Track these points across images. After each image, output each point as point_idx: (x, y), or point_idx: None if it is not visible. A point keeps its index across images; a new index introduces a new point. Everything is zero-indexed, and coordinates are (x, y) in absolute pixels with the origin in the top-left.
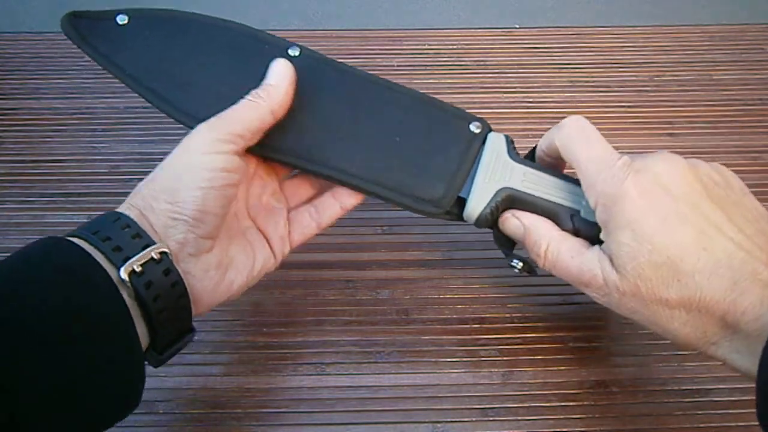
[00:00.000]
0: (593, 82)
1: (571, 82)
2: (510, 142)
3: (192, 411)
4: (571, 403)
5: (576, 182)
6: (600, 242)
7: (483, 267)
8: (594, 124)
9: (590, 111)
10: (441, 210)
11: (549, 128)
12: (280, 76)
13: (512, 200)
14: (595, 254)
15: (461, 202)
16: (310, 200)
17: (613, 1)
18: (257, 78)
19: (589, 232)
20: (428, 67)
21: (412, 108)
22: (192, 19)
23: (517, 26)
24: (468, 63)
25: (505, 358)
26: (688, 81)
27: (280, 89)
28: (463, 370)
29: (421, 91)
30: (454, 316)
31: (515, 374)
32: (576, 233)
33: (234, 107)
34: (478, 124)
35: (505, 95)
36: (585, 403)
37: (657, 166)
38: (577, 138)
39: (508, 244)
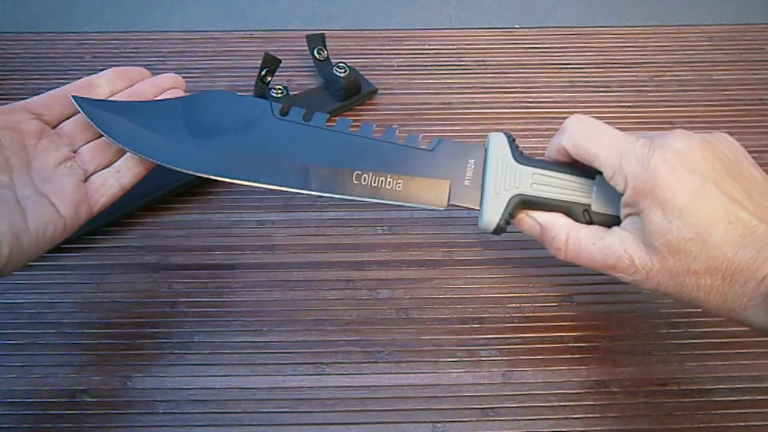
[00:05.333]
0: (593, 82)
1: (571, 82)
2: (512, 142)
3: (192, 411)
4: (571, 403)
5: (582, 175)
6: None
7: (483, 267)
8: None
9: (590, 111)
10: None
11: (549, 128)
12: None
13: (525, 203)
14: (615, 236)
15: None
16: (111, 163)
17: (613, 1)
18: None
19: (602, 221)
20: (428, 67)
21: None
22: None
23: (517, 26)
24: (468, 63)
25: (505, 358)
26: (688, 81)
27: None
28: (463, 370)
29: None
30: (454, 315)
31: (515, 374)
32: (589, 224)
33: None
34: None
35: (505, 95)
36: (585, 403)
37: (676, 143)
38: (586, 133)
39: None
